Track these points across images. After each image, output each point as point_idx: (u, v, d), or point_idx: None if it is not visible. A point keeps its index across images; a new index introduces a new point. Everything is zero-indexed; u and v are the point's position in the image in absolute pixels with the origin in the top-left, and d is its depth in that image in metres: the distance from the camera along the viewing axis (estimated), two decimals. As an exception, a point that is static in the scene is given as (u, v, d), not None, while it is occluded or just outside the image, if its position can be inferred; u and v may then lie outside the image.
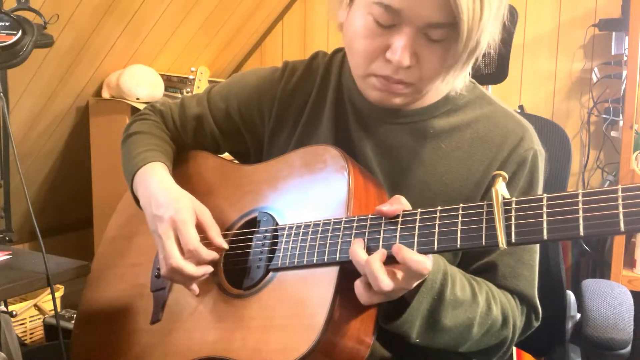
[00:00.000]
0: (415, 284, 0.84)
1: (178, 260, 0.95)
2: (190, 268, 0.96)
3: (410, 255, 0.79)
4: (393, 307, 0.87)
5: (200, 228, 0.99)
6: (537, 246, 1.00)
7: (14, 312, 2.03)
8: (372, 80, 0.93)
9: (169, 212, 0.98)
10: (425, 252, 0.81)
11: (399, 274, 0.80)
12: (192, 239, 0.96)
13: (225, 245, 0.99)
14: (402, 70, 0.89)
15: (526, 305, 0.99)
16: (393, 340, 0.97)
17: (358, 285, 0.83)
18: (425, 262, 0.79)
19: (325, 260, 0.87)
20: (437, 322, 0.88)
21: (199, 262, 0.96)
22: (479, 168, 0.98)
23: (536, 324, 1.01)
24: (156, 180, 1.05)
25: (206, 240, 0.98)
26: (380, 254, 0.82)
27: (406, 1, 0.84)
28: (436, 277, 0.86)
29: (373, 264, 0.80)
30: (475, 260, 0.98)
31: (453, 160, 0.99)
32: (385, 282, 0.80)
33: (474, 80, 1.05)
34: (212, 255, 0.97)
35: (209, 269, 0.98)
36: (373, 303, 0.84)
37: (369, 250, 0.84)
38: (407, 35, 0.86)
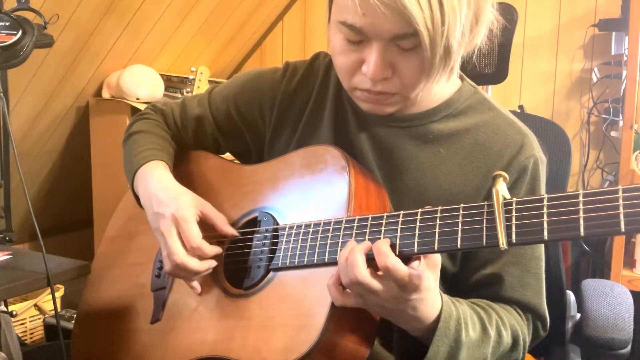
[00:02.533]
0: (409, 296, 0.81)
1: (182, 257, 0.96)
2: (194, 263, 0.96)
3: (385, 261, 0.78)
4: (411, 358, 0.87)
5: (205, 222, 0.99)
6: (543, 255, 1.00)
7: (14, 312, 2.03)
8: (358, 94, 0.94)
9: (170, 209, 0.98)
10: (425, 252, 0.80)
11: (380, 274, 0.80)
12: (195, 236, 0.96)
13: (236, 233, 1.00)
14: (380, 82, 0.90)
15: (532, 316, 0.98)
16: (393, 341, 0.97)
17: (330, 285, 0.83)
18: (398, 268, 0.78)
19: (326, 260, 0.87)
20: None
21: (203, 258, 0.97)
22: (477, 174, 0.97)
23: (543, 334, 1.01)
24: (156, 179, 1.05)
25: (209, 238, 0.98)
26: (365, 245, 0.82)
27: (365, 18, 0.84)
28: (449, 324, 0.85)
29: (355, 251, 0.80)
30: (478, 269, 0.98)
31: (452, 166, 0.98)
32: (363, 273, 0.79)
33: (474, 85, 1.05)
34: (215, 250, 0.98)
35: (213, 262, 0.98)
36: (346, 304, 0.83)
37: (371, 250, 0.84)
38: (377, 49, 0.86)
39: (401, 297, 0.80)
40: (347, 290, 0.83)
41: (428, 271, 0.80)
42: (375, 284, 0.79)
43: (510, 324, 0.94)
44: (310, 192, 0.97)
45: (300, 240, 0.92)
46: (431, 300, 0.84)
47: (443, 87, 0.99)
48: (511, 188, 0.96)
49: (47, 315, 2.26)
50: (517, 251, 0.97)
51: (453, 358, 0.86)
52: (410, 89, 0.91)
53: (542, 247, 0.99)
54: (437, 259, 0.82)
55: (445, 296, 0.87)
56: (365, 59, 0.88)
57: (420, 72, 0.88)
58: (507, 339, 0.93)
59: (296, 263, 0.90)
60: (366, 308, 0.85)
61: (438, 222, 0.80)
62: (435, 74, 0.89)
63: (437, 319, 0.84)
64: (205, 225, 1.00)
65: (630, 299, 1.30)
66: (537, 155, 0.99)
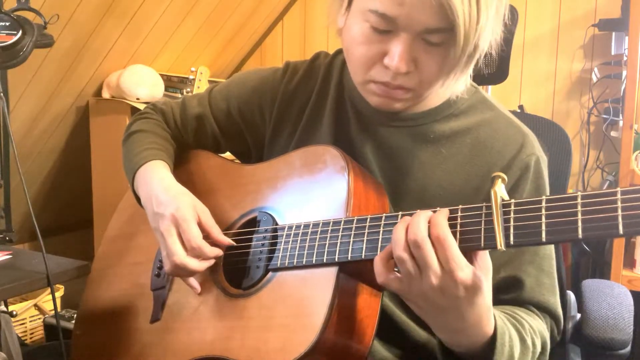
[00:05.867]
0: (459, 292, 0.76)
1: (182, 257, 0.96)
2: (194, 264, 0.96)
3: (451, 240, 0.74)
4: None
5: (201, 228, 0.99)
6: (554, 253, 0.99)
7: (14, 312, 2.03)
8: (372, 87, 0.93)
9: (170, 209, 0.98)
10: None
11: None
12: (195, 236, 0.96)
13: (232, 242, 1.00)
14: (401, 76, 0.88)
15: (550, 318, 0.97)
16: (392, 341, 0.97)
17: (377, 259, 0.79)
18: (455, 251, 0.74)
19: (325, 260, 0.87)
20: None
21: (202, 258, 0.97)
22: (478, 174, 0.97)
23: (558, 337, 0.99)
24: (157, 179, 1.05)
25: (208, 239, 0.99)
26: (446, 211, 0.77)
27: (402, 8, 0.83)
28: (504, 339, 0.82)
29: (419, 214, 0.76)
30: (495, 273, 0.89)
31: (452, 165, 0.98)
32: (423, 233, 0.74)
33: (475, 84, 1.05)
34: (215, 251, 0.98)
35: (212, 262, 0.98)
36: (389, 284, 0.78)
37: (369, 251, 0.84)
38: (404, 41, 0.85)
39: (451, 290, 0.75)
40: (395, 271, 0.78)
41: (480, 272, 0.76)
42: (432, 255, 0.74)
43: (539, 330, 0.93)
44: (310, 192, 0.97)
45: (299, 241, 0.92)
46: (481, 308, 0.78)
47: (453, 87, 0.98)
48: (514, 186, 0.96)
49: (47, 315, 2.26)
50: (531, 249, 0.96)
51: None
52: (427, 86, 0.90)
53: (551, 245, 0.98)
54: (488, 262, 0.77)
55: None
56: (390, 50, 0.86)
57: (441, 69, 0.88)
58: (538, 347, 0.92)
59: (295, 263, 0.91)
60: (408, 298, 0.79)
61: (437, 222, 0.80)
62: (456, 72, 0.88)
63: (493, 337, 0.81)
64: (204, 231, 1.00)
65: (630, 299, 1.30)
66: (537, 154, 0.99)
